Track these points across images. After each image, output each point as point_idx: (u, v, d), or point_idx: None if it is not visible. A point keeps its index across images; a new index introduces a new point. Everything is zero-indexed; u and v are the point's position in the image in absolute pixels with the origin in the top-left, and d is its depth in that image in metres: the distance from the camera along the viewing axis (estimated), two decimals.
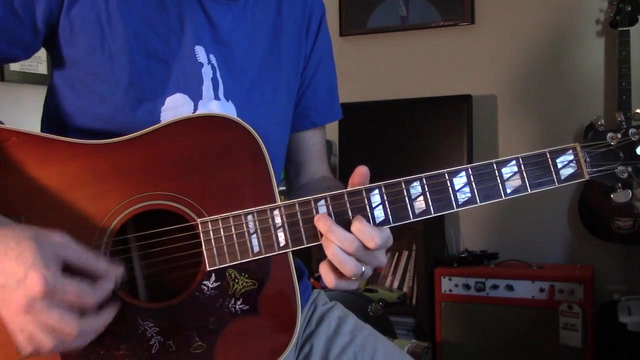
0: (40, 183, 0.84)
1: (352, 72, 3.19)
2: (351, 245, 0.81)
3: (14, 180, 0.84)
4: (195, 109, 0.96)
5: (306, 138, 1.17)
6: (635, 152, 0.84)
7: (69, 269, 0.76)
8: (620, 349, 2.51)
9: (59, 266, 0.75)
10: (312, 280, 3.03)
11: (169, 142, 0.86)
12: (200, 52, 0.96)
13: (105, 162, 0.85)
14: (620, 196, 0.85)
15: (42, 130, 1.01)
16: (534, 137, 2.89)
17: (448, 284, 2.67)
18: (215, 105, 0.97)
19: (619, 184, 0.85)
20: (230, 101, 0.99)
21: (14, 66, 2.57)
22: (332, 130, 2.96)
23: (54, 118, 0.99)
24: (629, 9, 2.60)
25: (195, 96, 0.96)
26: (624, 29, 2.61)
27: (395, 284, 2.91)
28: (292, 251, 0.85)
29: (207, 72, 0.96)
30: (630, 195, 0.84)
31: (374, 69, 3.20)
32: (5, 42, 0.91)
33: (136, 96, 0.92)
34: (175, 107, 0.94)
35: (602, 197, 2.66)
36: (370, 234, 0.80)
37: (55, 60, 0.97)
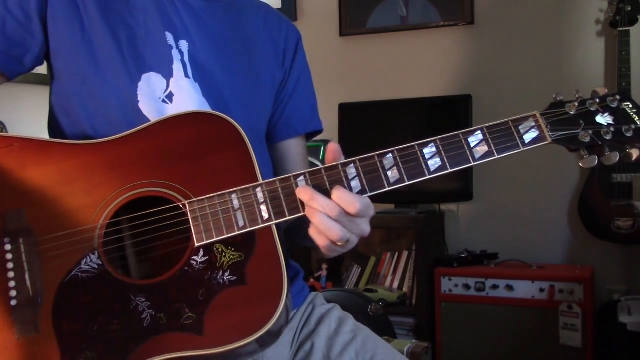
0: (40, 180, 0.92)
1: (352, 72, 3.19)
2: (333, 211, 0.85)
3: (17, 178, 0.92)
4: (168, 86, 1.03)
5: (291, 148, 1.22)
6: (595, 120, 0.91)
7: None
8: (620, 349, 2.51)
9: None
10: (312, 280, 3.04)
11: (155, 137, 0.94)
12: (169, 37, 1.04)
13: (97, 159, 0.93)
14: (587, 162, 0.91)
15: (48, 125, 1.10)
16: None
17: (448, 284, 2.67)
18: (186, 83, 1.04)
19: (585, 151, 0.91)
20: (197, 82, 1.05)
21: None
22: (332, 130, 2.96)
23: (53, 122, 1.08)
24: (629, 9, 2.60)
25: (167, 74, 1.03)
26: (624, 29, 2.61)
27: (395, 284, 2.91)
28: (276, 224, 0.89)
29: (176, 54, 1.04)
30: (597, 160, 0.90)
31: (374, 69, 3.20)
32: (7, 41, 1.00)
33: (114, 72, 1.01)
34: (150, 84, 1.02)
35: (602, 198, 2.66)
36: (350, 200, 0.85)
37: (51, 57, 1.05)
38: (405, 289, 2.87)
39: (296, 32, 1.24)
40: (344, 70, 3.20)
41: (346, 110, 3.05)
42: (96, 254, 0.89)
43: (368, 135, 2.94)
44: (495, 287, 2.61)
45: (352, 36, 3.23)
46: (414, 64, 3.14)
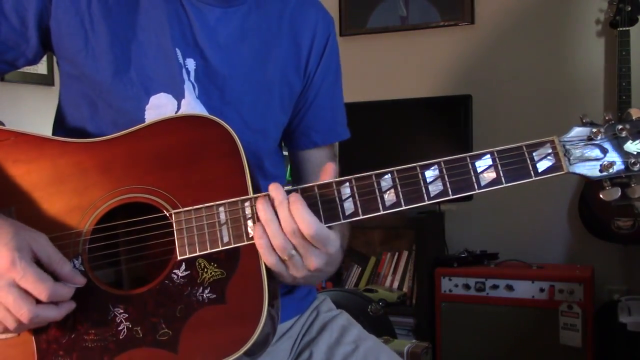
0: (31, 177, 0.91)
1: (352, 72, 3.18)
2: (286, 222, 0.81)
3: (7, 174, 0.91)
4: (179, 107, 0.99)
5: (311, 157, 1.17)
6: (623, 148, 0.81)
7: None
8: (620, 349, 2.51)
9: (30, 255, 0.80)
10: None
11: (150, 140, 0.92)
12: (179, 54, 0.99)
13: (90, 159, 0.92)
14: (609, 194, 0.82)
15: (53, 126, 1.08)
16: (534, 137, 2.87)
17: (448, 284, 2.67)
18: (197, 105, 1.00)
19: (608, 182, 0.82)
20: (203, 103, 1.01)
21: None
22: None
23: (59, 114, 1.06)
24: (629, 9, 2.60)
25: (179, 95, 0.99)
26: (624, 29, 2.61)
27: (395, 284, 2.91)
28: None
29: (185, 74, 0.99)
30: (620, 193, 0.81)
31: (374, 69, 3.20)
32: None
33: (120, 95, 0.97)
34: (159, 106, 0.98)
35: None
36: (306, 219, 0.81)
37: (58, 58, 1.02)
38: (405, 289, 2.87)
39: (328, 26, 1.14)
40: (344, 70, 3.19)
41: (346, 110, 3.04)
42: (80, 259, 0.88)
43: (368, 136, 2.93)
44: (495, 287, 2.61)
45: (352, 36, 3.24)
46: (414, 64, 3.14)
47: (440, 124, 2.93)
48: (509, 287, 2.58)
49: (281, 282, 0.89)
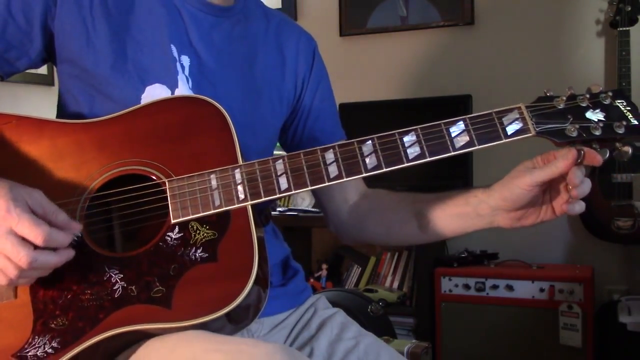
0: (32, 155, 0.96)
1: (352, 72, 3.19)
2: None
3: (10, 153, 0.97)
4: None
5: None
6: (584, 116, 0.88)
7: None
8: (620, 349, 2.51)
9: (25, 205, 0.83)
10: (312, 280, 3.04)
11: (145, 118, 0.97)
12: (174, 50, 1.05)
13: (88, 137, 0.97)
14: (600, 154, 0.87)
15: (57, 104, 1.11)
16: (533, 137, 2.88)
17: (448, 284, 2.67)
18: (190, 94, 1.05)
19: (572, 146, 0.88)
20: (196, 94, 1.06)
21: None
22: None
23: (58, 112, 1.10)
24: (629, 9, 2.60)
25: (173, 86, 1.04)
26: (624, 29, 2.61)
27: (395, 284, 2.91)
28: (251, 204, 0.90)
29: (179, 68, 1.05)
30: (608, 154, 0.87)
31: (374, 69, 3.20)
32: (5, 44, 1.01)
33: (117, 86, 1.01)
34: (154, 96, 1.02)
35: (602, 198, 2.66)
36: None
37: (58, 63, 1.06)
38: (405, 289, 2.87)
39: (310, 42, 1.23)
40: (344, 70, 3.20)
41: (346, 110, 3.03)
42: None
43: (368, 136, 2.94)
44: (495, 287, 2.61)
45: (352, 36, 3.23)
46: (414, 64, 3.14)
47: None
48: (509, 287, 2.58)
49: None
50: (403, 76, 3.15)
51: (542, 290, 2.53)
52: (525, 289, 2.56)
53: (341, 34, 3.24)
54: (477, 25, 3.04)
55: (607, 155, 0.88)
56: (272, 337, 1.09)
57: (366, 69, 3.21)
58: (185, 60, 1.05)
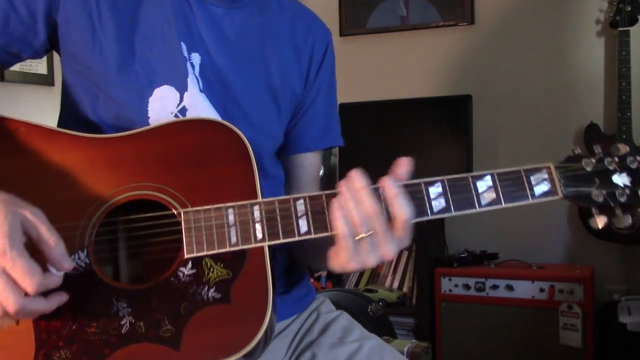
0: (41, 169, 0.91)
1: (352, 72, 3.19)
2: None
3: (18, 164, 0.91)
4: (181, 100, 0.99)
5: (300, 163, 1.17)
6: (611, 180, 0.87)
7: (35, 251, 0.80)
8: (620, 349, 2.51)
9: (21, 241, 0.77)
10: (312, 280, 3.04)
11: (161, 140, 0.92)
12: (184, 48, 1.00)
13: (101, 154, 0.92)
14: (597, 222, 0.88)
15: (59, 120, 1.08)
16: (533, 137, 2.89)
17: (448, 284, 2.67)
18: (201, 98, 1.00)
19: (596, 210, 0.87)
20: (208, 97, 1.02)
21: (14, 66, 2.57)
22: None
23: (65, 110, 1.06)
24: (629, 9, 2.60)
25: (182, 88, 0.99)
26: (624, 29, 2.61)
27: (395, 284, 2.91)
28: (269, 246, 0.87)
29: (189, 67, 1.00)
30: (606, 221, 0.87)
31: (374, 69, 3.20)
32: (7, 38, 0.98)
33: (124, 88, 0.97)
34: (162, 99, 0.98)
35: None
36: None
37: (61, 55, 1.02)
38: (405, 289, 2.87)
39: (325, 36, 1.18)
40: (344, 70, 3.19)
41: (346, 110, 3.02)
42: (85, 251, 0.87)
43: (368, 136, 2.94)
44: (495, 287, 2.61)
45: (352, 36, 3.24)
46: (414, 64, 3.14)
47: (440, 124, 2.93)
48: (509, 287, 2.58)
49: (338, 267, 0.88)
50: (403, 76, 3.15)
51: (542, 290, 2.53)
52: (525, 289, 2.56)
53: (341, 34, 3.24)
54: (477, 25, 3.04)
55: (629, 222, 0.88)
56: (276, 345, 1.07)
57: (366, 69, 3.21)
58: (196, 58, 1.01)
